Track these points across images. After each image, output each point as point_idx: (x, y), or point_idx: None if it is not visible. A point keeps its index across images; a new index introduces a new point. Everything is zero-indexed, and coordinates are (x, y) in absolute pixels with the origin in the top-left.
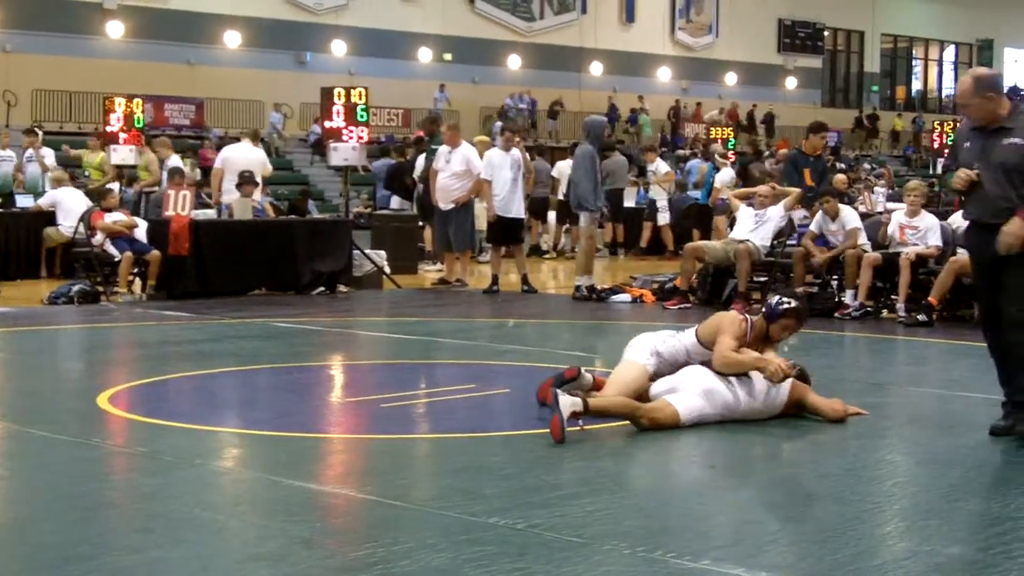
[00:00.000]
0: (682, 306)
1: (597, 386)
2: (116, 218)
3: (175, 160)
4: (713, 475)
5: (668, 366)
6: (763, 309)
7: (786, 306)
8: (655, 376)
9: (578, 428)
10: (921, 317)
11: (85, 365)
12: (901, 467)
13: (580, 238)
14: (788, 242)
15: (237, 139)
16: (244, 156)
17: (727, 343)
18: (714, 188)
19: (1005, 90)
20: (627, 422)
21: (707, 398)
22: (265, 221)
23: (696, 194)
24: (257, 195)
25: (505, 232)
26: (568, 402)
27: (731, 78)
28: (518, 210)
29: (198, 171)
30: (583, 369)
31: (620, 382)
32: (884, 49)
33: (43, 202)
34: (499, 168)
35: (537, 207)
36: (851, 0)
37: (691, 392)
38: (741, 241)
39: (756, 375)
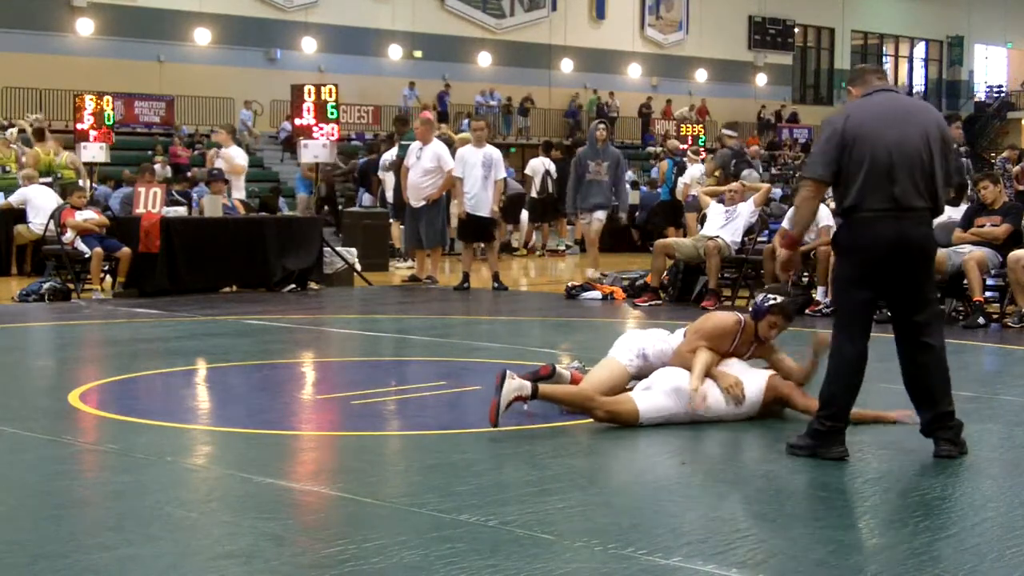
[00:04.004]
0: (653, 303)
1: (575, 382)
2: (87, 216)
3: None
4: (684, 472)
5: (653, 370)
6: (750, 308)
7: (771, 303)
8: (638, 377)
9: (523, 412)
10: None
11: (56, 362)
12: (872, 464)
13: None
14: (759, 239)
15: (208, 136)
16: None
17: (691, 340)
18: (684, 184)
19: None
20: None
21: (674, 397)
22: (235, 218)
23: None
24: (240, 192)
25: (476, 230)
26: (514, 386)
27: (701, 75)
28: (489, 209)
29: (168, 168)
30: (558, 367)
31: (596, 379)
32: (854, 46)
33: (13, 199)
34: (471, 165)
35: (510, 205)
36: None
37: (659, 391)
38: (711, 238)
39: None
